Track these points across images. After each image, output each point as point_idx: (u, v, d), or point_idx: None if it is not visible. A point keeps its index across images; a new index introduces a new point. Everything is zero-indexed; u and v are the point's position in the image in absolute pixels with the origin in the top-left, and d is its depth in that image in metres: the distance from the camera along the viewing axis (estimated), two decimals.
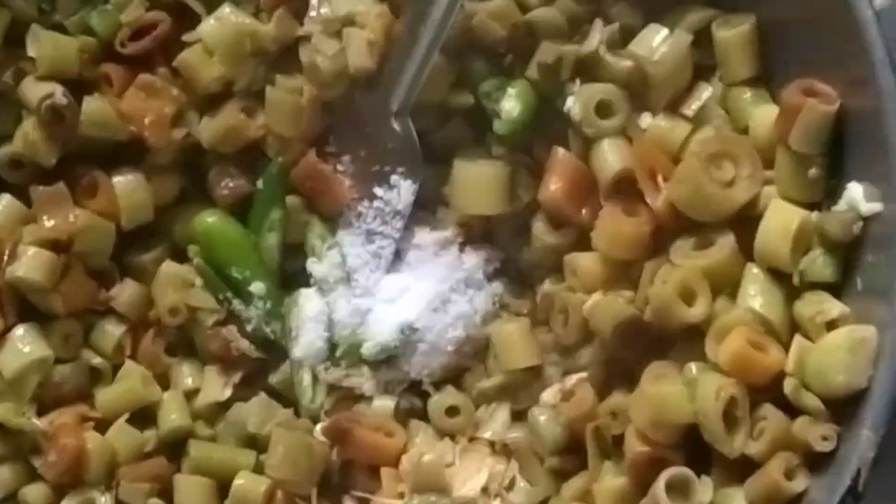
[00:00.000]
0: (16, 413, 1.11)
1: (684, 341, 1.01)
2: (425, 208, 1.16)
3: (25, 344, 1.11)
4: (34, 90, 1.11)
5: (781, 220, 0.98)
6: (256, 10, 1.13)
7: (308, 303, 1.16)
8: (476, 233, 1.15)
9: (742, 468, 0.96)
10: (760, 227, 0.98)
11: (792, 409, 0.95)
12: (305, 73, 1.12)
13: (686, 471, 0.97)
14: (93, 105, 1.11)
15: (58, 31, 1.12)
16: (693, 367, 0.99)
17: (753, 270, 0.99)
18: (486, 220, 1.14)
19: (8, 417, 1.11)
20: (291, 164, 1.15)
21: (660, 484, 0.96)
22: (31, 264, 1.10)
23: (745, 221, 1.00)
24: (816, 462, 0.93)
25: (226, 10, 1.12)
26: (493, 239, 1.16)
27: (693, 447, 0.99)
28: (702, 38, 1.05)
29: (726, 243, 1.00)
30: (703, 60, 1.06)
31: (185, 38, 1.13)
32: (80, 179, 1.14)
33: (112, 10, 1.12)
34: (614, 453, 1.03)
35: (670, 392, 0.98)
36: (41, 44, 1.11)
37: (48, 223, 1.12)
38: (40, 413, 1.13)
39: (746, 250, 1.00)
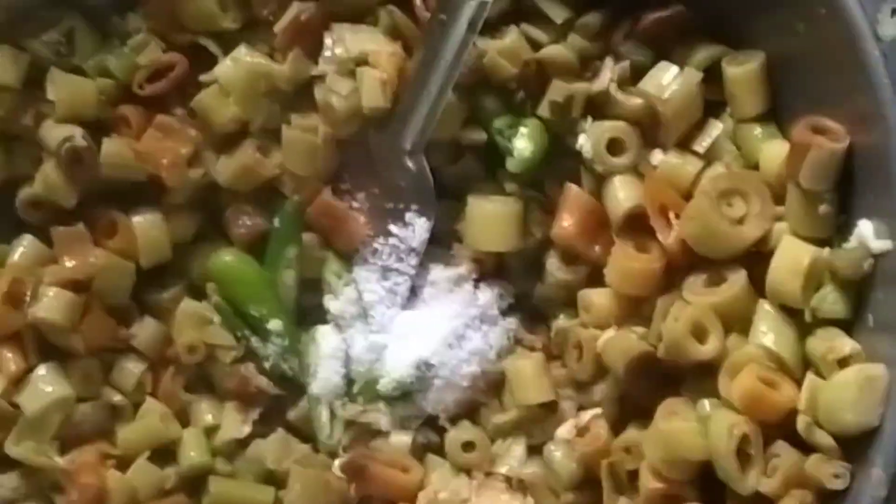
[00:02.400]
0: (37, 451, 1.12)
1: (697, 377, 1.02)
2: (440, 245, 1.16)
3: (47, 383, 1.12)
4: (54, 133, 1.12)
5: (793, 256, 0.98)
6: (271, 50, 1.14)
7: (325, 339, 1.17)
8: (490, 269, 1.16)
9: None
10: (772, 264, 0.99)
11: (805, 447, 0.95)
12: (320, 112, 1.13)
13: None
14: (111, 147, 1.13)
15: (76, 74, 1.13)
16: (706, 403, 1.00)
17: (765, 307, 1.00)
18: (500, 257, 1.15)
19: (30, 456, 1.12)
20: (307, 202, 1.16)
21: None
22: (52, 305, 1.11)
23: (757, 258, 1.01)
24: (829, 500, 0.94)
25: (241, 51, 1.13)
26: (506, 275, 1.16)
27: (707, 483, 0.99)
28: (712, 75, 1.06)
29: (738, 280, 1.01)
30: (713, 97, 1.07)
31: (202, 79, 1.14)
32: (100, 220, 1.15)
33: (129, 52, 1.14)
34: (629, 489, 1.04)
35: (683, 429, 0.98)
36: (60, 87, 1.12)
37: (69, 263, 1.13)
38: (62, 451, 1.14)
39: (758, 287, 1.01)
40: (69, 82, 1.13)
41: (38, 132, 1.14)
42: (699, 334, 1.00)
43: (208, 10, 1.13)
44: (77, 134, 1.12)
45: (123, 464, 1.15)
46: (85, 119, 1.13)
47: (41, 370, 1.13)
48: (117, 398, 1.17)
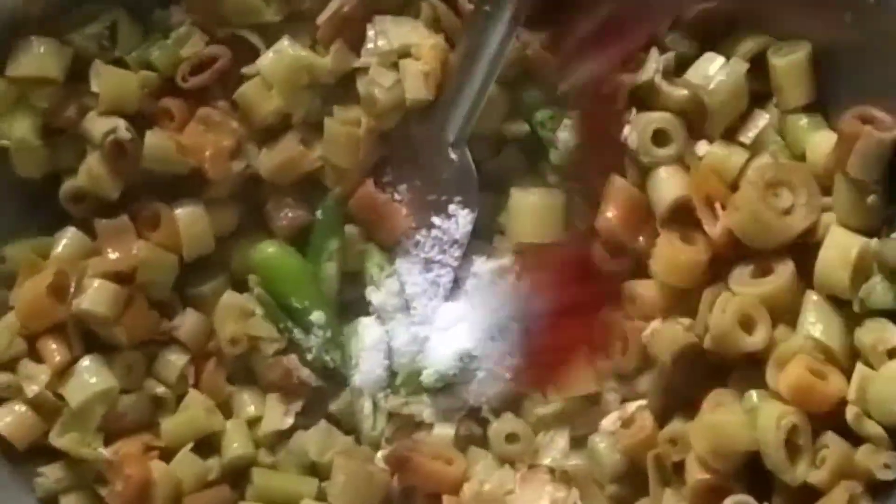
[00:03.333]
0: (82, 443, 1.13)
1: (744, 368, 1.02)
2: (482, 237, 1.16)
3: (91, 375, 1.13)
4: (97, 125, 1.13)
5: (840, 247, 0.98)
6: (313, 42, 1.15)
7: (367, 331, 1.17)
8: (533, 261, 1.15)
9: (804, 496, 0.96)
10: (820, 255, 0.99)
11: (854, 437, 0.95)
12: (362, 104, 1.14)
13: (748, 499, 0.97)
14: (154, 139, 1.13)
15: (119, 67, 1.14)
16: (754, 394, 1.00)
17: (813, 298, 1.00)
18: (544, 248, 1.14)
19: (74, 447, 1.13)
20: (349, 195, 1.17)
21: None
22: (95, 297, 1.12)
23: (804, 248, 1.01)
24: (879, 490, 0.94)
25: (284, 43, 1.13)
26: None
27: (754, 475, 0.99)
28: (757, 66, 1.06)
29: (785, 271, 1.00)
30: (758, 87, 1.06)
31: (244, 71, 1.15)
32: (143, 212, 1.15)
33: (172, 45, 1.14)
34: (675, 480, 1.04)
35: (731, 420, 0.98)
36: (103, 79, 1.13)
37: (112, 255, 1.13)
38: (106, 443, 1.14)
39: (805, 277, 1.01)
40: (113, 75, 1.13)
41: (82, 125, 1.14)
42: (746, 325, 1.00)
43: (251, 3, 1.14)
44: (121, 126, 1.12)
45: (167, 455, 1.15)
46: (128, 112, 1.13)
47: (85, 362, 1.13)
48: (160, 390, 1.18)
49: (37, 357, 1.13)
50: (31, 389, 1.11)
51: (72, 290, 1.12)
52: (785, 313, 1.00)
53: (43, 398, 1.12)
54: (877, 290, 0.96)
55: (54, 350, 1.12)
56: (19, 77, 1.11)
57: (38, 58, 1.11)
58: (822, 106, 1.05)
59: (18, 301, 1.12)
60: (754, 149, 1.06)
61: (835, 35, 1.02)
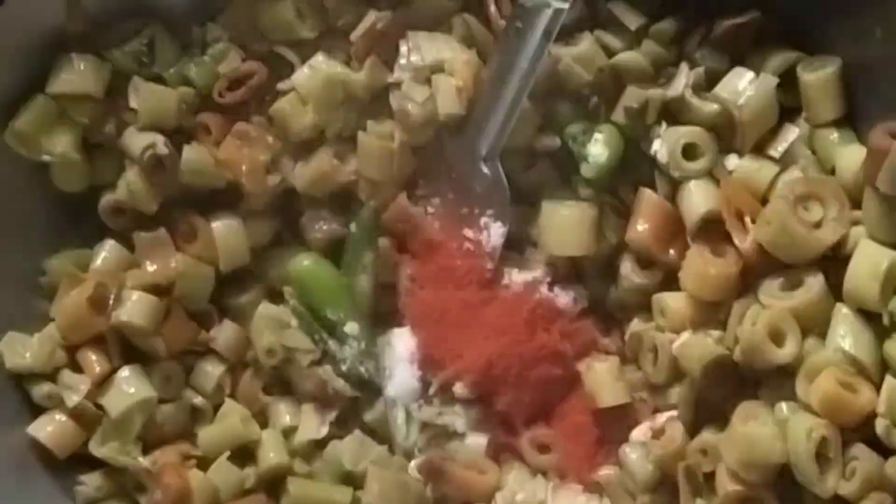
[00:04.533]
0: (121, 452, 1.15)
1: (774, 380, 1.03)
2: (514, 249, 1.18)
3: (130, 385, 1.15)
4: (136, 140, 1.15)
5: (870, 260, 0.98)
6: (348, 58, 1.16)
7: (401, 342, 1.19)
8: (564, 273, 1.17)
9: None
10: (849, 268, 1.00)
11: (884, 449, 0.96)
12: (396, 118, 1.15)
13: None
14: (192, 154, 1.15)
15: (158, 83, 1.16)
16: (784, 406, 1.01)
17: (843, 311, 1.00)
18: (575, 261, 1.16)
19: (114, 456, 1.15)
20: (383, 208, 1.18)
21: None
22: (135, 308, 1.14)
23: (834, 262, 1.02)
24: None
25: (318, 59, 1.15)
26: (581, 279, 1.17)
27: (785, 486, 1.00)
28: (787, 80, 1.07)
29: (815, 284, 1.01)
30: (788, 102, 1.07)
31: (280, 86, 1.17)
32: (180, 225, 1.18)
33: (209, 61, 1.16)
34: (706, 490, 1.05)
35: (761, 432, 0.99)
36: (142, 95, 1.15)
37: (150, 268, 1.16)
38: (145, 452, 1.16)
39: (835, 290, 1.01)
40: (151, 91, 1.15)
41: (121, 140, 1.16)
42: (776, 338, 1.00)
43: (286, 20, 1.15)
44: (159, 141, 1.14)
45: (204, 464, 1.17)
46: (166, 127, 1.16)
47: (124, 372, 1.16)
48: (198, 400, 1.20)
49: (77, 368, 1.15)
50: (72, 399, 1.13)
51: (111, 302, 1.14)
52: (815, 326, 1.01)
53: (83, 408, 1.14)
54: None
55: (94, 361, 1.14)
56: (60, 94, 1.13)
57: (79, 75, 1.13)
58: (852, 120, 1.06)
59: (59, 313, 1.15)
60: (784, 163, 1.06)
61: (865, 49, 1.03)
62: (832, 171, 1.05)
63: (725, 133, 1.08)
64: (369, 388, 1.20)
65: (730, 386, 1.04)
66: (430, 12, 1.16)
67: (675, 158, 1.08)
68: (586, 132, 1.12)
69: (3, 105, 1.13)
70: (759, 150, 1.07)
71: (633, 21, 1.11)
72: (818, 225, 1.01)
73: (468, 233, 1.17)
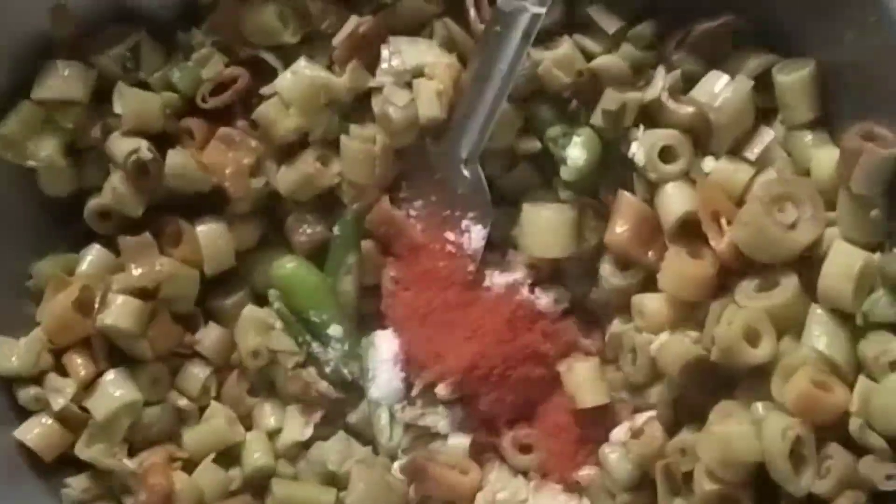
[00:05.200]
0: (107, 454, 1.16)
1: (750, 380, 1.04)
2: (495, 251, 1.19)
3: (116, 388, 1.16)
4: (121, 145, 1.15)
5: (844, 261, 1.00)
6: (330, 63, 1.17)
7: (384, 344, 1.20)
8: (545, 274, 1.18)
9: None
10: (823, 269, 1.00)
11: (858, 448, 0.97)
12: (378, 122, 1.16)
13: None
14: (176, 158, 1.16)
15: (142, 88, 1.17)
16: (760, 406, 1.01)
17: (817, 311, 1.01)
18: (555, 262, 1.17)
19: (100, 458, 1.16)
20: (366, 210, 1.19)
21: None
22: (120, 312, 1.15)
23: (809, 262, 1.02)
24: (882, 501, 0.95)
25: (301, 63, 1.16)
26: (561, 280, 1.18)
27: (762, 485, 1.01)
28: (763, 82, 1.08)
29: (790, 284, 1.02)
30: (764, 104, 1.08)
31: (263, 91, 1.17)
32: (165, 228, 1.18)
33: (193, 66, 1.17)
34: (684, 490, 1.06)
35: (738, 432, 1.00)
36: (126, 101, 1.16)
37: (136, 271, 1.16)
38: (130, 454, 1.17)
39: (810, 291, 1.02)
40: (135, 96, 1.16)
41: (106, 145, 1.17)
42: (752, 338, 1.01)
43: (269, 25, 1.16)
44: (143, 146, 1.15)
45: (190, 466, 1.19)
46: (151, 132, 1.17)
47: (110, 375, 1.16)
48: (183, 402, 1.21)
49: (63, 371, 1.16)
50: (58, 402, 1.14)
51: (97, 305, 1.15)
52: (790, 326, 1.02)
53: (69, 411, 1.15)
54: (880, 303, 0.98)
55: (80, 364, 1.15)
56: (45, 99, 1.14)
57: (64, 80, 1.14)
58: (827, 122, 1.07)
59: (45, 316, 1.15)
60: (760, 164, 1.07)
61: (838, 52, 1.03)
62: (807, 173, 1.06)
63: (702, 135, 1.09)
64: (353, 390, 1.21)
65: (708, 386, 1.05)
66: (412, 17, 1.17)
67: (652, 161, 1.09)
68: (566, 135, 1.13)
69: None
70: (735, 152, 1.08)
71: (611, 25, 1.11)
72: (793, 226, 1.02)
73: (450, 235, 1.18)
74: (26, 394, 1.16)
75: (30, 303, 1.19)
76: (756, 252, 1.03)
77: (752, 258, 1.04)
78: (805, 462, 0.97)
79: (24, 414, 1.17)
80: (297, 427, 1.20)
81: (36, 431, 1.16)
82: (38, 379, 1.16)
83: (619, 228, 1.11)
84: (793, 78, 1.06)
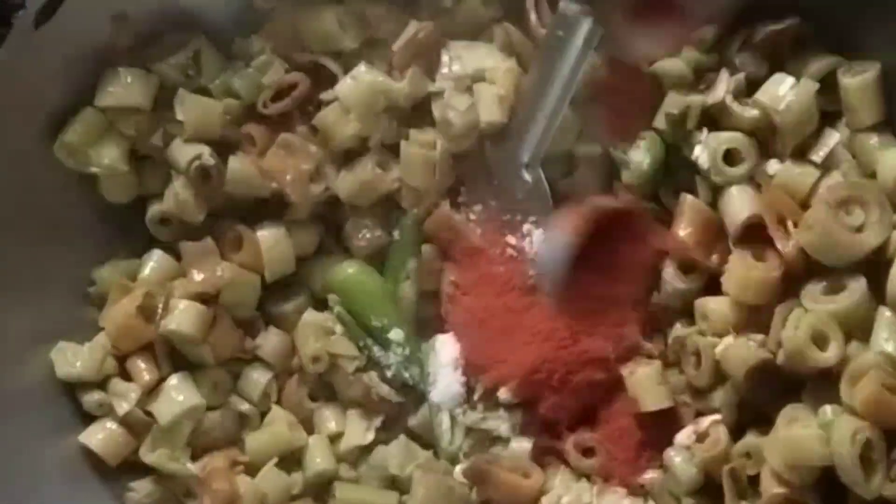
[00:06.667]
0: (170, 458, 1.17)
1: (817, 384, 1.03)
2: None
3: (178, 393, 1.17)
4: (182, 152, 1.16)
5: None
6: (389, 68, 1.18)
7: (444, 348, 1.20)
8: None
9: None
10: (892, 271, 1.00)
11: None
12: (438, 127, 1.16)
13: None
14: (237, 164, 1.17)
15: (203, 95, 1.18)
16: (828, 409, 1.01)
17: (886, 314, 1.01)
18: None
19: (163, 463, 1.17)
20: (425, 215, 1.19)
21: None
22: (182, 317, 1.15)
23: (876, 265, 1.02)
24: None
25: (361, 69, 1.16)
26: None
27: (829, 488, 1.01)
28: (827, 84, 1.07)
29: (858, 287, 1.02)
30: (828, 106, 1.08)
31: (323, 97, 1.18)
32: (226, 234, 1.19)
33: (254, 72, 1.17)
34: (750, 493, 1.05)
35: (806, 435, 1.00)
36: (188, 107, 1.16)
37: (197, 277, 1.17)
38: (193, 458, 1.18)
39: (878, 294, 1.02)
40: (197, 103, 1.17)
41: (167, 151, 1.18)
42: (819, 341, 1.01)
43: (329, 30, 1.17)
44: (205, 153, 1.16)
45: (252, 470, 1.19)
46: (212, 138, 1.17)
47: (173, 380, 1.17)
48: (244, 407, 1.21)
49: (127, 376, 1.17)
50: (122, 407, 1.15)
51: (160, 311, 1.15)
52: (857, 329, 1.01)
53: (133, 416, 1.16)
54: None
55: (143, 369, 1.16)
56: (108, 107, 1.15)
57: (126, 88, 1.15)
58: (893, 124, 1.06)
59: (109, 322, 1.16)
60: (825, 167, 1.07)
61: None
62: (873, 175, 1.05)
63: (766, 138, 1.09)
64: (414, 394, 1.21)
65: (773, 389, 1.05)
66: (471, 21, 1.17)
67: (716, 164, 1.09)
68: None
69: (52, 118, 1.15)
70: (800, 154, 1.08)
71: None
72: (860, 229, 1.01)
73: (510, 239, 1.18)
74: (90, 399, 1.17)
75: (93, 308, 1.19)
76: (823, 255, 1.02)
77: (818, 261, 1.03)
78: (875, 465, 0.97)
79: (88, 419, 1.18)
80: (358, 431, 1.21)
81: (100, 436, 1.16)
82: (102, 384, 1.17)
83: (683, 232, 1.11)
84: (858, 80, 1.05)
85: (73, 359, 1.16)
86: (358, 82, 1.16)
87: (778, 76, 1.08)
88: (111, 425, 1.17)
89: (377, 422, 1.21)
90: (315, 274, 1.23)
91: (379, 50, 1.18)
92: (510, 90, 1.14)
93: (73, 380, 1.17)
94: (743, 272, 1.07)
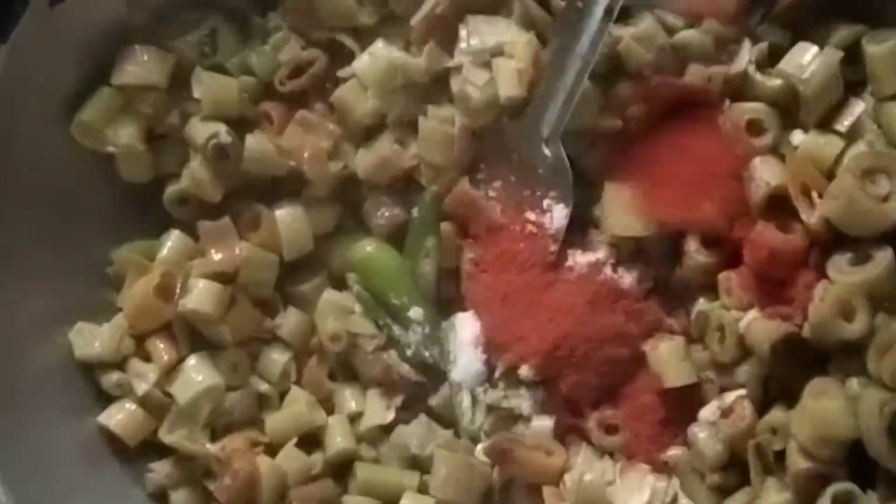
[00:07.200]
0: (190, 439, 1.16)
1: (844, 356, 1.02)
2: (576, 230, 1.17)
3: (197, 373, 1.16)
4: (200, 130, 1.16)
5: None
6: (407, 44, 1.17)
7: (465, 326, 1.19)
8: (628, 253, 1.16)
9: None
10: None
11: None
12: (456, 102, 1.15)
13: (851, 486, 0.98)
14: (255, 142, 1.16)
15: (220, 73, 1.17)
16: (855, 382, 1.00)
17: None
18: (638, 241, 1.15)
19: (183, 443, 1.16)
20: (444, 192, 1.18)
21: (825, 500, 0.97)
22: (201, 297, 1.15)
23: None
24: None
25: (378, 45, 1.16)
26: (644, 259, 1.16)
27: (857, 462, 0.99)
28: (852, 53, 1.06)
29: (884, 258, 1.00)
30: (853, 76, 1.06)
31: (340, 74, 1.17)
32: (244, 213, 1.19)
33: (270, 50, 1.17)
34: (776, 469, 1.04)
35: (833, 408, 0.98)
36: (205, 85, 1.16)
37: (216, 256, 1.17)
38: (213, 439, 1.18)
39: None
40: (214, 81, 1.16)
41: (184, 130, 1.18)
42: (846, 313, 1.00)
43: (345, 7, 1.16)
44: (222, 131, 1.15)
45: (272, 450, 1.18)
46: (229, 116, 1.17)
47: (192, 360, 1.17)
48: (264, 387, 1.21)
49: (145, 356, 1.17)
50: (141, 387, 1.15)
51: (178, 290, 1.15)
52: (885, 300, 1.00)
53: (152, 396, 1.15)
54: None
55: (162, 349, 1.16)
56: (125, 85, 1.15)
57: (143, 66, 1.15)
58: None
59: (127, 302, 1.16)
60: (850, 137, 1.05)
61: None
62: None
63: (790, 108, 1.08)
64: (434, 373, 1.20)
65: (799, 363, 1.04)
66: None
67: (739, 134, 1.07)
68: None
69: (69, 98, 1.15)
70: (825, 124, 1.07)
71: None
72: (886, 198, 1.00)
73: (530, 215, 1.17)
74: (109, 379, 1.16)
75: (111, 289, 1.19)
76: (848, 225, 1.01)
77: (843, 232, 1.02)
78: None
79: (107, 399, 1.17)
80: (378, 411, 1.20)
81: (119, 417, 1.16)
82: (120, 364, 1.17)
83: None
84: (882, 48, 1.04)
85: (92, 339, 1.16)
86: (375, 58, 1.15)
87: (802, 45, 1.07)
88: (130, 406, 1.16)
89: (397, 401, 1.20)
90: (334, 253, 1.22)
91: (396, 26, 1.18)
92: (529, 64, 1.13)
93: (91, 360, 1.17)
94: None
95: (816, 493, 0.99)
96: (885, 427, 0.95)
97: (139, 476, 1.18)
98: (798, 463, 1.00)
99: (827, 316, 0.99)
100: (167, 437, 1.16)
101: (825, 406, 0.99)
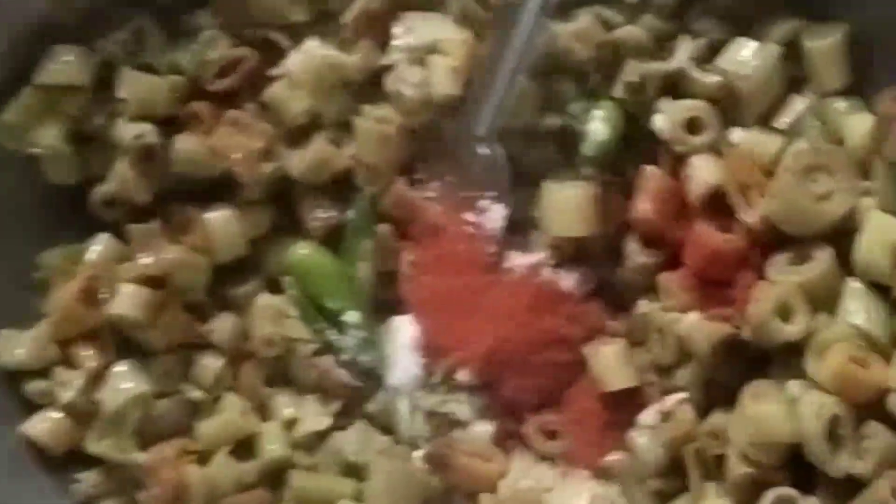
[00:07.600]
0: (118, 448, 1.13)
1: (784, 358, 1.00)
2: (516, 231, 1.15)
3: (125, 380, 1.13)
4: (126, 131, 1.13)
5: (881, 232, 0.96)
6: (341, 42, 1.14)
7: (402, 330, 1.16)
8: (568, 255, 1.13)
9: (847, 488, 0.94)
10: (859, 240, 0.97)
11: None
12: (391, 101, 1.13)
13: (791, 491, 0.96)
14: (183, 143, 1.13)
15: (147, 72, 1.14)
16: (794, 385, 0.98)
17: (853, 285, 0.97)
18: (578, 242, 1.12)
19: (110, 453, 1.13)
20: (381, 193, 1.15)
21: None
22: (129, 301, 1.12)
23: (843, 235, 0.98)
24: None
25: (311, 43, 1.13)
26: (585, 261, 1.14)
27: (797, 467, 0.97)
28: (794, 49, 1.04)
29: (824, 258, 0.98)
30: (795, 72, 1.05)
31: (272, 72, 1.14)
32: (174, 217, 1.15)
33: (199, 48, 1.14)
34: (717, 474, 1.02)
35: (771, 412, 0.96)
36: (130, 85, 1.12)
37: (144, 260, 1.14)
38: (142, 447, 1.14)
39: (845, 264, 0.98)
40: (140, 80, 1.13)
41: (111, 131, 1.14)
42: (785, 314, 0.98)
43: (277, 4, 1.13)
44: (148, 131, 1.12)
45: (204, 459, 1.15)
46: (157, 116, 1.13)
47: (120, 367, 1.14)
48: (196, 393, 1.17)
49: (71, 364, 1.13)
50: (66, 396, 1.11)
51: (104, 295, 1.12)
52: (824, 301, 0.98)
53: (78, 404, 1.12)
54: None
55: (88, 356, 1.12)
56: (48, 85, 1.11)
57: (66, 65, 1.12)
58: (860, 89, 1.03)
59: (51, 307, 1.13)
60: (790, 134, 1.04)
61: (870, 16, 1.00)
62: (840, 142, 1.02)
63: (729, 106, 1.05)
64: (372, 378, 1.18)
65: (739, 365, 1.02)
66: None
67: (677, 133, 1.05)
68: (587, 110, 1.10)
69: None
70: (765, 121, 1.05)
71: None
72: (826, 197, 0.98)
73: (469, 216, 1.15)
74: (33, 387, 1.13)
75: (37, 295, 1.16)
76: (788, 225, 0.99)
77: (783, 231, 1.00)
78: (843, 442, 0.94)
79: (31, 408, 1.14)
80: (314, 417, 1.17)
81: (43, 426, 1.13)
82: (45, 372, 1.14)
83: (645, 204, 1.07)
84: (823, 43, 1.02)
85: (14, 346, 1.13)
86: (308, 56, 1.13)
87: (740, 41, 1.05)
88: (55, 414, 1.13)
89: (334, 407, 1.17)
90: (269, 256, 1.19)
91: (329, 23, 1.14)
92: (465, 62, 1.11)
93: (14, 368, 1.13)
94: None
95: (756, 499, 0.97)
96: (823, 431, 0.93)
97: (65, 487, 1.15)
98: (737, 468, 0.99)
99: (765, 317, 0.97)
100: (94, 446, 1.12)
101: (764, 410, 0.97)
